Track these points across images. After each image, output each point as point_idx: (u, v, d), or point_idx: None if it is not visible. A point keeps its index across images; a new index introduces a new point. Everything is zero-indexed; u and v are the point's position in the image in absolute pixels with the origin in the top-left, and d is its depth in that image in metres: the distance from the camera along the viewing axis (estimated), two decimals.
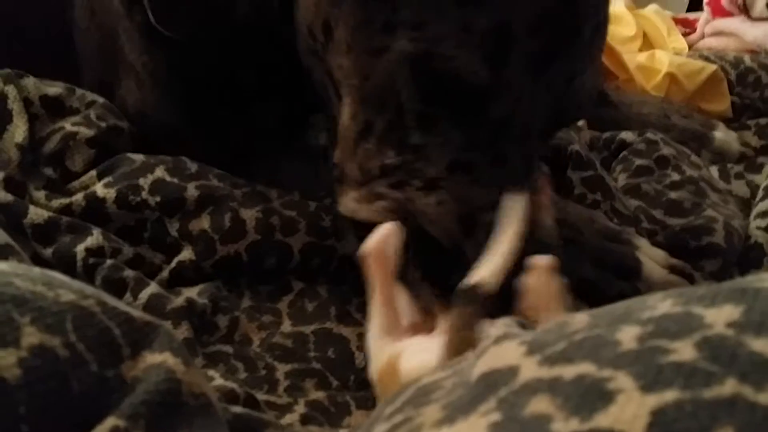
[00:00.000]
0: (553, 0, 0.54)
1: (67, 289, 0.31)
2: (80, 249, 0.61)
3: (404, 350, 0.46)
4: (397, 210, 0.57)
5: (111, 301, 0.32)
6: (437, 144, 0.55)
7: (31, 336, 0.27)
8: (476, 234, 0.54)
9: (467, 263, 0.50)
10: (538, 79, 0.55)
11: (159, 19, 0.55)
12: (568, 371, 0.23)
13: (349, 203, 0.60)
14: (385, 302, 0.49)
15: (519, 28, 0.52)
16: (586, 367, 0.23)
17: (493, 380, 0.25)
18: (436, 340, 0.44)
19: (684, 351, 0.22)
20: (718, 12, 1.44)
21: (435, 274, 0.54)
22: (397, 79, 0.55)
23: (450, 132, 0.55)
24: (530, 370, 0.24)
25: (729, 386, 0.21)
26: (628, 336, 0.24)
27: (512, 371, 0.25)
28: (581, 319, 0.27)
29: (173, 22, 0.57)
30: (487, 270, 0.47)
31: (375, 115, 0.57)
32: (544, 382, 0.24)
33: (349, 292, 0.67)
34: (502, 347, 0.27)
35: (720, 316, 0.24)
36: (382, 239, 0.50)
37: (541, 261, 0.48)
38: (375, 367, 0.48)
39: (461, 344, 0.41)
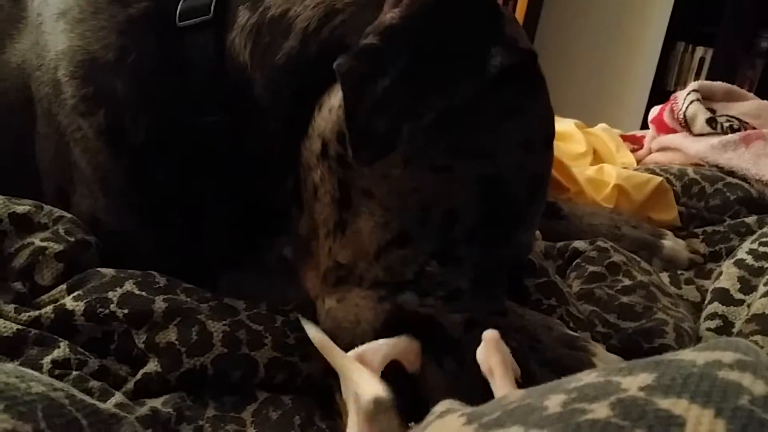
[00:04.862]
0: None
1: (37, 381, 0.32)
2: (46, 361, 0.62)
3: None
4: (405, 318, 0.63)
5: (79, 394, 0.34)
6: (473, 257, 0.64)
7: (4, 423, 0.29)
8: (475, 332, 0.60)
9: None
10: None
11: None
12: None
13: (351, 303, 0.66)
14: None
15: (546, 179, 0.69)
16: (515, 430, 0.25)
17: None
18: None
19: (600, 411, 0.25)
20: (662, 129, 1.52)
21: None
22: (460, 195, 0.62)
23: (485, 248, 0.64)
24: None
25: None
26: (554, 402, 0.26)
27: None
28: (517, 393, 0.30)
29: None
30: None
31: (413, 226, 0.63)
32: None
33: (313, 402, 0.68)
34: (445, 420, 0.29)
35: (635, 382, 0.26)
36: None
37: (489, 334, 0.53)
38: None
39: None
